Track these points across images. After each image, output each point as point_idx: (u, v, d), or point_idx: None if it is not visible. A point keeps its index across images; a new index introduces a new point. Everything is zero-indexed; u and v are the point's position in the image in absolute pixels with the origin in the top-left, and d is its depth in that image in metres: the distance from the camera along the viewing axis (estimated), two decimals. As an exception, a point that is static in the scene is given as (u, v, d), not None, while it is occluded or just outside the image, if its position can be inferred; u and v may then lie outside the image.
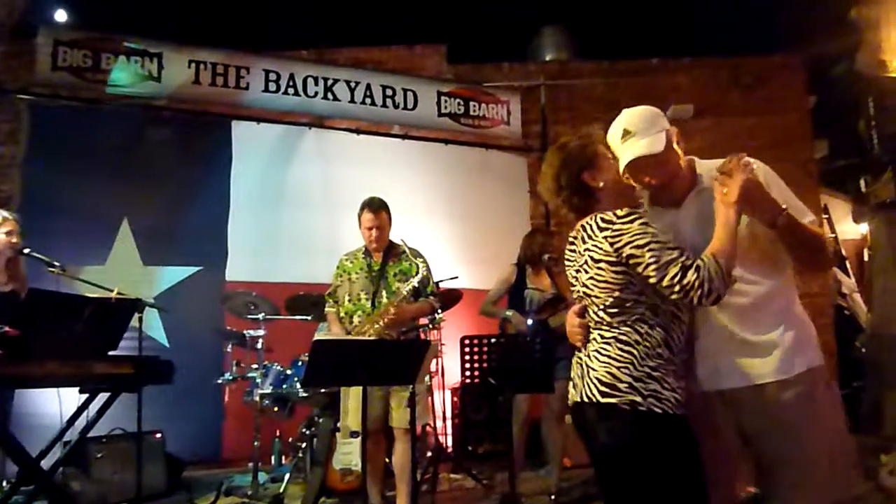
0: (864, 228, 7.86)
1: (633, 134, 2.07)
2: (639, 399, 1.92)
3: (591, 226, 2.04)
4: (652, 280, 1.91)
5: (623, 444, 1.96)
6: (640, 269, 1.92)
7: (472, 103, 7.39)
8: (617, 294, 1.98)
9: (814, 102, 7.91)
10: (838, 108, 7.66)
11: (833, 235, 7.57)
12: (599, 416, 1.99)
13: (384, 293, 3.96)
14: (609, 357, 1.99)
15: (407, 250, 4.01)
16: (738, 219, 1.93)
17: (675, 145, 2.10)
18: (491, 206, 7.18)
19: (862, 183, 6.91)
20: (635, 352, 1.96)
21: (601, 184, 2.09)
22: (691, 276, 1.86)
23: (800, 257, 2.05)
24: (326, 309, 4.14)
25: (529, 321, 4.50)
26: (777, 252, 2.05)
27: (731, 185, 1.91)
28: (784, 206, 1.95)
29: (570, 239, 2.15)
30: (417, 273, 3.94)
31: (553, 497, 4.48)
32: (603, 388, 1.97)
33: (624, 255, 1.94)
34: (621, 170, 2.09)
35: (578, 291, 2.13)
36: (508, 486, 3.47)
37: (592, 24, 8.18)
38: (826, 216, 7.89)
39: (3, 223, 4.15)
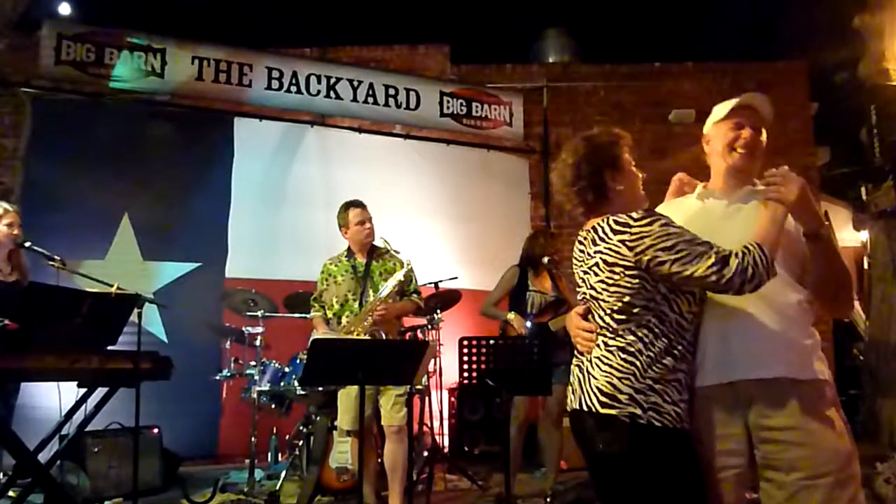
0: (864, 236, 7.86)
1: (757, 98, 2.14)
2: (639, 412, 1.88)
3: (603, 227, 1.98)
4: (684, 273, 1.84)
5: (621, 456, 1.92)
6: (665, 268, 1.86)
7: (474, 104, 7.39)
8: (627, 299, 1.93)
9: (816, 109, 7.91)
10: (840, 116, 7.66)
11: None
12: (598, 427, 1.95)
13: (370, 293, 4.00)
14: (611, 366, 1.94)
15: (391, 250, 4.07)
16: (786, 217, 1.94)
17: (765, 140, 2.14)
18: (492, 207, 7.19)
19: (863, 191, 6.91)
20: (638, 363, 1.91)
21: (619, 187, 2.05)
22: (733, 261, 1.82)
23: (824, 284, 2.02)
24: (312, 313, 4.15)
25: (529, 323, 4.51)
26: (803, 267, 2.06)
27: (791, 185, 1.93)
28: (827, 222, 1.98)
29: (580, 239, 2.10)
30: (404, 274, 4.03)
31: (548, 499, 4.49)
32: (603, 399, 1.93)
33: (645, 258, 1.88)
34: (728, 106, 2.11)
35: (585, 294, 2.08)
36: (504, 487, 3.47)
37: (595, 27, 8.20)
38: (826, 222, 7.89)
39: (4, 215, 4.15)
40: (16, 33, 6.10)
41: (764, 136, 2.15)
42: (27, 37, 6.14)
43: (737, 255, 1.82)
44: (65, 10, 6.87)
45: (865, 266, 7.40)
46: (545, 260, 4.54)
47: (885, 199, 6.57)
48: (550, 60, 8.12)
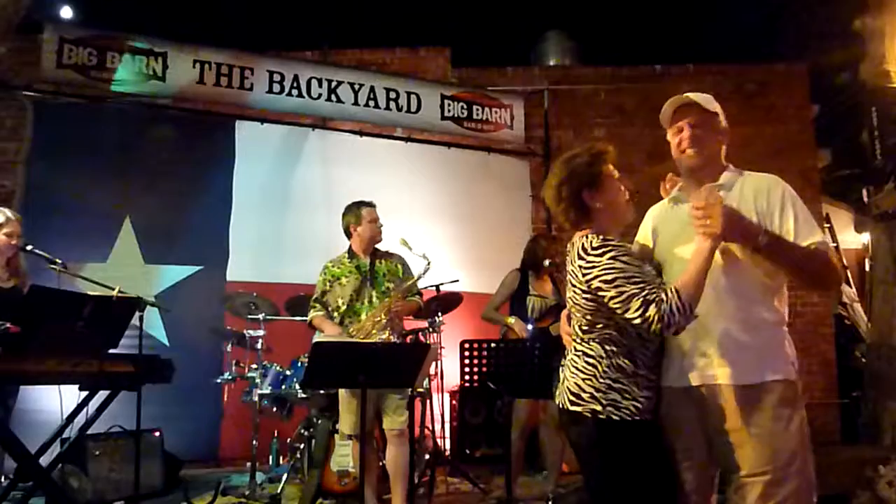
0: (865, 238, 7.86)
1: (689, 96, 2.22)
2: (598, 408, 2.10)
3: (576, 248, 2.16)
4: (618, 311, 2.04)
5: (587, 448, 2.17)
6: (606, 300, 2.06)
7: (475, 107, 7.39)
8: (589, 317, 2.15)
9: (817, 112, 7.91)
10: (841, 118, 7.66)
11: (834, 245, 7.56)
12: (570, 422, 2.19)
13: (375, 293, 4.00)
14: (577, 368, 2.17)
15: (390, 252, 4.16)
16: (714, 250, 1.99)
17: (721, 136, 2.23)
18: (493, 210, 7.18)
19: (864, 193, 6.91)
20: (598, 366, 2.12)
21: (598, 205, 2.18)
22: (652, 310, 1.96)
23: (796, 276, 2.12)
24: (312, 314, 4.11)
25: (530, 327, 4.51)
26: (764, 262, 2.09)
27: (714, 215, 1.97)
28: (763, 229, 2.02)
29: (567, 250, 2.26)
30: (405, 273, 4.10)
31: (550, 502, 4.48)
32: (571, 397, 2.16)
33: (592, 286, 2.08)
34: (665, 111, 2.23)
35: (568, 301, 2.26)
36: (505, 490, 3.47)
37: (596, 29, 8.19)
38: (828, 225, 7.89)
39: (6, 223, 4.14)
40: (18, 37, 6.12)
41: (716, 124, 2.21)
42: (29, 40, 6.15)
43: (657, 302, 1.96)
44: (66, 13, 6.88)
45: (867, 268, 7.39)
46: (547, 263, 4.54)
47: (886, 201, 6.56)
48: (551, 63, 8.12)
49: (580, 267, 2.11)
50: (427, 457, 5.03)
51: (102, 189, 5.89)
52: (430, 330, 5.02)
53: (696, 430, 2.12)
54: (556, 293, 4.66)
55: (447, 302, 5.16)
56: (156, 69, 6.24)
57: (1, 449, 3.98)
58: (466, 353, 3.19)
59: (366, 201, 4.18)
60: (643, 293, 1.99)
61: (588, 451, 2.17)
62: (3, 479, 4.42)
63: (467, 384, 3.22)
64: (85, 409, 3.58)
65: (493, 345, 3.26)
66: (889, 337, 6.48)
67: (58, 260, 4.01)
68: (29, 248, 4.08)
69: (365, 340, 3.82)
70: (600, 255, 2.07)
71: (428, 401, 5.17)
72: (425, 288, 4.63)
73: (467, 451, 5.87)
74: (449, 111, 7.25)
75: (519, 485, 4.55)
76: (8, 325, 3.00)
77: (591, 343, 2.15)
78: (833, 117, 7.88)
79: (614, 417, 2.08)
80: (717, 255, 2.05)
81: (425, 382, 4.88)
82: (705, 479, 2.16)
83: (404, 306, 4.05)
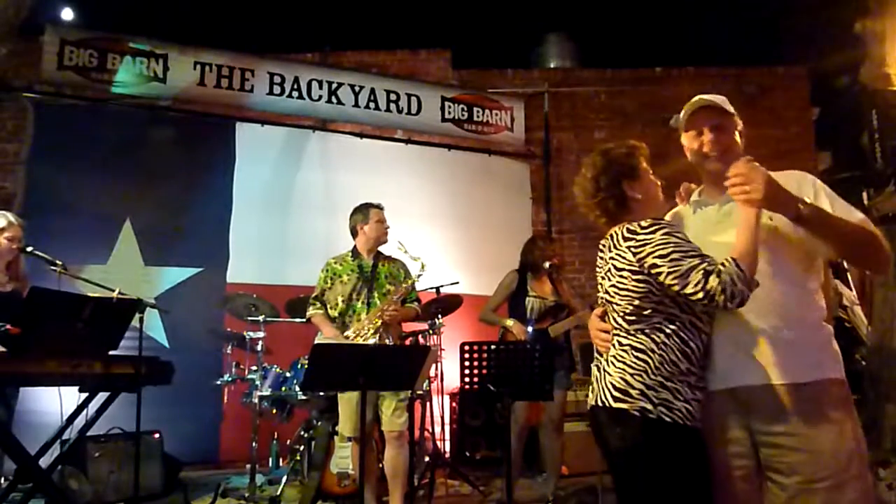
0: (865, 241, 7.85)
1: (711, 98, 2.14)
2: (649, 406, 1.96)
3: (617, 235, 2.09)
4: (675, 288, 1.94)
5: (632, 449, 2.00)
6: (662, 278, 1.96)
7: (475, 109, 7.40)
8: (637, 302, 2.02)
9: (817, 114, 7.91)
10: (841, 121, 7.66)
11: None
12: (611, 421, 2.04)
13: (375, 294, 4.01)
14: (624, 364, 2.03)
15: (393, 257, 4.19)
16: (759, 218, 1.92)
17: (739, 136, 2.15)
18: (493, 212, 7.19)
19: (864, 196, 6.90)
20: (650, 360, 1.99)
21: (638, 196, 2.14)
22: (713, 281, 1.87)
23: (842, 251, 2.02)
24: (311, 311, 4.12)
25: (529, 328, 4.50)
26: (809, 255, 2.05)
27: (754, 183, 1.89)
28: (806, 199, 1.93)
29: (600, 246, 2.19)
30: (406, 277, 4.12)
31: (550, 504, 4.48)
32: (616, 394, 2.02)
33: (646, 264, 1.98)
34: (683, 116, 2.14)
35: (602, 297, 2.18)
36: (505, 492, 3.47)
37: (597, 32, 8.20)
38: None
39: (7, 227, 4.14)
40: (19, 39, 6.11)
41: (733, 127, 2.15)
42: (30, 42, 6.15)
43: (718, 273, 1.88)
44: (67, 15, 6.88)
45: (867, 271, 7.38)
46: (546, 265, 4.53)
47: (886, 204, 6.55)
48: (551, 65, 8.13)
49: (629, 248, 2.02)
50: (427, 459, 5.03)
51: (103, 191, 5.89)
52: (430, 332, 5.02)
53: (744, 437, 1.99)
54: (555, 294, 4.65)
55: (447, 304, 5.16)
56: (156, 71, 6.25)
57: (1, 450, 3.97)
58: (466, 356, 3.19)
59: (374, 203, 4.21)
60: (702, 265, 1.91)
61: (630, 454, 2.02)
62: (2, 481, 4.41)
63: (467, 386, 3.21)
64: (85, 411, 3.58)
65: (492, 347, 3.25)
66: (889, 340, 6.47)
67: (58, 261, 4.00)
68: (29, 249, 4.08)
69: (360, 342, 3.83)
70: (652, 233, 2.00)
71: (428, 403, 5.17)
72: (425, 290, 4.63)
73: (467, 454, 5.86)
74: (449, 113, 7.26)
75: (518, 487, 4.54)
76: (8, 326, 3.00)
77: (639, 335, 2.02)
78: (833, 120, 7.88)
79: (666, 419, 1.94)
80: (764, 248, 1.96)
81: (425, 385, 4.88)
82: (754, 489, 2.01)
83: (401, 311, 4.05)
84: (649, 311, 2.01)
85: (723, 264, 1.89)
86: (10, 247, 4.11)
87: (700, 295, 1.89)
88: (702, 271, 1.90)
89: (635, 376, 1.99)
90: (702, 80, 7.72)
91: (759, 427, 1.96)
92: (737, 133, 2.16)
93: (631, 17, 8.20)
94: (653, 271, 1.97)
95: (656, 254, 1.96)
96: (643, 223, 2.03)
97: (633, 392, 1.99)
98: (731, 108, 2.16)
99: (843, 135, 7.61)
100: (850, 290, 7.76)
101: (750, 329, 1.99)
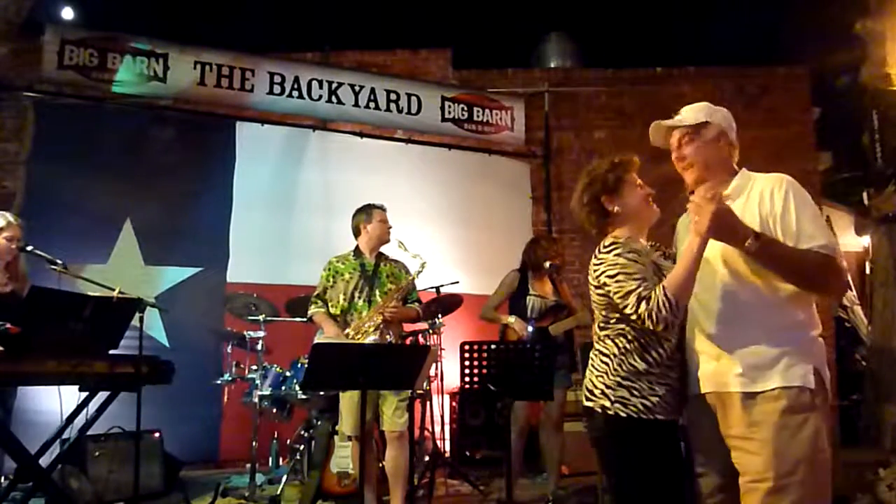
0: (866, 241, 7.85)
1: (679, 114, 2.31)
2: (607, 404, 2.20)
3: (596, 251, 2.30)
4: (619, 306, 2.16)
5: (598, 442, 2.31)
6: (612, 296, 2.18)
7: (475, 109, 7.39)
8: (604, 312, 2.27)
9: (818, 114, 7.91)
10: (842, 121, 7.66)
11: (835, 248, 7.56)
12: (585, 416, 2.33)
13: (377, 292, 4.02)
14: (593, 366, 2.29)
15: (395, 258, 4.21)
16: (704, 248, 2.04)
17: (719, 141, 2.25)
18: (493, 212, 7.19)
19: (864, 196, 6.91)
20: (611, 363, 2.22)
21: (616, 209, 2.31)
22: (643, 306, 2.07)
23: (792, 281, 2.06)
24: (313, 310, 4.12)
25: (530, 328, 4.51)
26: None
27: (703, 214, 2.00)
28: (755, 232, 2.01)
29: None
30: (408, 276, 4.14)
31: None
32: (586, 393, 2.30)
33: (600, 281, 2.23)
34: (654, 139, 2.33)
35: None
36: (505, 492, 3.46)
37: (597, 31, 8.20)
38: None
39: (6, 227, 4.13)
40: (19, 38, 6.12)
41: (705, 134, 2.24)
42: (30, 41, 6.14)
43: (647, 300, 2.07)
44: (68, 14, 6.89)
45: (867, 271, 7.39)
46: (547, 265, 4.54)
47: (887, 204, 6.56)
48: (552, 65, 8.12)
49: (593, 265, 2.26)
50: (427, 458, 5.03)
51: (103, 190, 5.89)
52: (430, 331, 5.02)
53: (716, 437, 2.12)
54: (556, 294, 4.66)
55: (447, 304, 5.16)
56: (157, 70, 6.24)
57: (1, 449, 3.98)
58: (466, 355, 3.19)
59: (377, 204, 4.23)
60: (638, 289, 2.10)
61: (598, 445, 2.30)
62: (2, 480, 4.42)
63: (467, 386, 3.21)
64: (85, 410, 3.58)
65: (492, 347, 3.25)
66: (889, 340, 6.48)
67: (58, 261, 4.00)
68: (29, 248, 4.08)
69: (359, 341, 3.84)
70: (608, 252, 2.21)
71: (428, 402, 5.17)
72: (425, 290, 4.63)
73: (467, 453, 5.87)
74: (449, 113, 7.26)
75: (519, 487, 4.54)
76: (8, 325, 3.00)
77: (607, 341, 2.25)
78: (834, 120, 7.89)
79: (622, 414, 2.15)
80: (734, 259, 2.08)
81: (425, 384, 4.88)
82: (728, 486, 2.11)
83: (401, 311, 4.05)
84: (614, 319, 2.24)
85: (655, 291, 2.07)
86: (9, 246, 4.11)
87: (634, 317, 2.11)
88: (636, 295, 2.10)
89: (599, 377, 2.24)
90: (702, 80, 7.72)
91: (723, 429, 2.10)
92: (711, 140, 2.24)
93: (632, 16, 8.21)
94: (605, 288, 2.20)
95: (607, 273, 2.20)
96: (605, 242, 2.26)
97: (596, 391, 2.24)
98: (694, 120, 2.26)
99: (844, 135, 7.62)
100: (851, 290, 7.77)
101: (721, 339, 2.10)
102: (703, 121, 2.25)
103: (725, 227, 2.01)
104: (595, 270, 2.24)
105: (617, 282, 2.15)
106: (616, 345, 2.22)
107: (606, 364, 2.22)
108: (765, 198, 2.11)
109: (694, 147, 2.24)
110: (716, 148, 2.24)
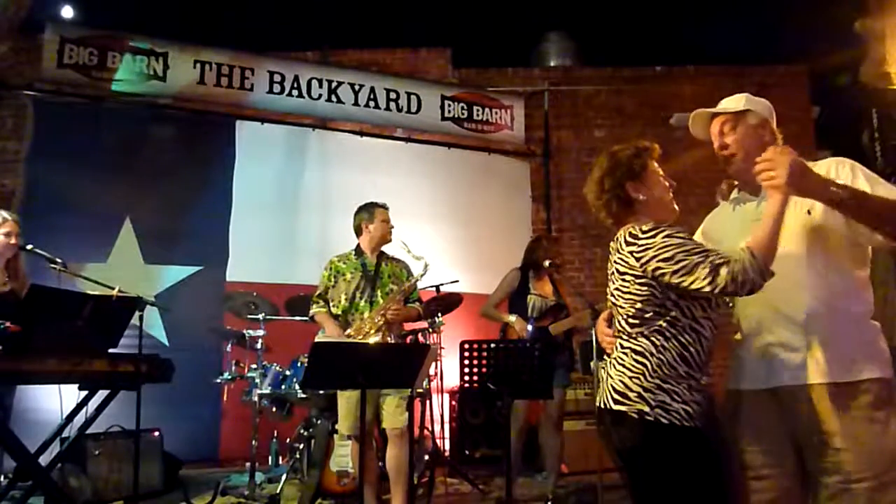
0: (865, 240, 7.85)
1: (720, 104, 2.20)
2: (646, 409, 1.98)
3: (620, 239, 2.09)
4: (683, 284, 1.93)
5: (632, 451, 2.04)
6: (667, 279, 1.95)
7: (475, 107, 7.40)
8: (639, 305, 2.03)
9: (817, 113, 7.91)
10: (842, 120, 7.66)
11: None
12: (613, 422, 2.06)
13: (378, 293, 4.01)
14: (623, 366, 2.05)
15: (397, 257, 4.19)
16: (785, 204, 1.88)
17: (762, 129, 2.15)
18: (493, 211, 7.19)
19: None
20: (648, 363, 2.01)
21: (641, 196, 2.13)
22: (723, 271, 1.86)
23: (888, 230, 1.95)
24: (315, 310, 4.11)
25: (530, 327, 4.51)
26: (853, 245, 2.02)
27: (778, 167, 1.87)
28: (841, 182, 1.88)
29: (610, 248, 2.17)
30: (408, 277, 4.12)
31: (549, 503, 4.48)
32: (616, 396, 2.04)
33: (649, 269, 1.98)
34: (694, 129, 2.21)
35: (608, 299, 2.19)
36: (505, 490, 3.47)
37: (597, 30, 8.19)
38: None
39: (3, 224, 4.13)
40: (19, 36, 6.12)
41: (747, 121, 2.15)
42: (30, 40, 6.16)
43: (727, 263, 1.86)
44: (67, 13, 6.87)
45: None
46: (547, 264, 4.54)
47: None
48: (552, 64, 8.13)
49: (631, 253, 2.02)
50: (426, 457, 5.02)
51: (103, 189, 5.89)
52: (430, 330, 5.02)
53: (782, 436, 1.99)
54: (556, 293, 4.66)
55: (447, 302, 5.16)
56: (156, 69, 6.25)
57: (1, 448, 3.98)
58: (466, 354, 3.19)
59: (380, 202, 4.20)
60: (709, 259, 1.90)
61: (632, 455, 2.05)
62: (2, 479, 4.41)
63: (467, 385, 3.21)
64: (84, 409, 3.58)
65: (492, 345, 3.25)
66: (890, 339, 6.47)
67: (58, 259, 4.01)
68: (29, 247, 4.08)
69: (362, 341, 3.83)
70: (654, 237, 1.99)
71: (428, 401, 5.17)
72: (425, 288, 4.63)
73: (467, 452, 5.87)
74: (449, 112, 7.26)
75: (518, 485, 4.55)
76: (8, 324, 3.00)
77: (640, 338, 2.03)
78: (833, 119, 7.88)
79: (663, 421, 1.96)
80: (802, 241, 1.97)
81: (425, 383, 4.88)
82: (795, 489, 2.00)
83: (402, 311, 4.05)
84: (650, 314, 2.02)
85: (739, 252, 1.87)
86: (7, 242, 4.10)
87: (708, 288, 1.88)
88: (709, 265, 1.89)
89: (633, 379, 2.01)
90: (702, 79, 7.72)
91: (802, 426, 1.95)
92: (754, 128, 2.15)
93: (631, 15, 8.19)
94: (656, 274, 1.97)
95: (659, 257, 1.96)
96: (644, 227, 2.03)
97: (631, 395, 2.00)
98: (735, 107, 2.17)
99: (844, 134, 7.61)
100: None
101: (790, 326, 1.98)
102: (746, 108, 2.16)
103: (805, 177, 1.87)
104: (639, 258, 1.99)
105: (677, 262, 1.92)
106: (652, 342, 2.01)
107: (643, 364, 2.00)
108: (829, 173, 1.98)
109: (736, 135, 2.14)
110: (757, 136, 2.14)
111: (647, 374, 2.00)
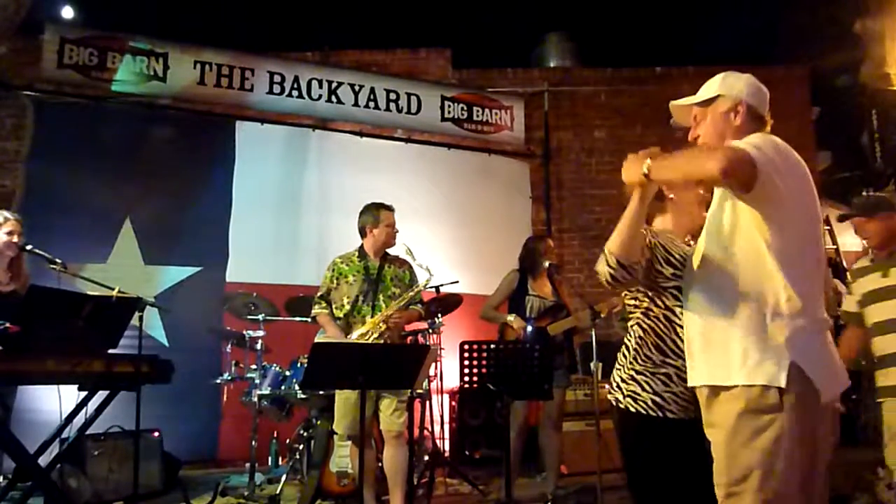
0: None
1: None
2: (620, 396, 2.18)
3: None
4: None
5: (617, 434, 2.27)
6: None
7: (475, 108, 7.40)
8: (626, 301, 2.27)
9: (817, 114, 7.91)
10: (841, 120, 7.67)
11: (834, 247, 7.55)
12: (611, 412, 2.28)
13: (381, 297, 4.00)
14: (617, 359, 2.27)
15: (400, 258, 4.17)
16: (631, 197, 1.98)
17: (732, 113, 2.03)
18: (492, 212, 7.19)
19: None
20: (627, 355, 2.21)
21: (672, 196, 2.30)
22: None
23: (684, 176, 1.96)
24: (317, 310, 4.10)
25: (529, 327, 4.51)
26: (753, 249, 1.86)
27: (630, 169, 1.99)
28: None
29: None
30: (412, 280, 4.11)
31: (549, 503, 4.48)
32: (608, 386, 2.28)
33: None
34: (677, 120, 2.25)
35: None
36: (504, 491, 3.47)
37: (597, 31, 8.19)
38: (827, 228, 7.89)
39: (4, 223, 4.13)
40: (19, 37, 6.12)
41: (714, 108, 2.09)
42: (30, 40, 6.15)
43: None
44: (68, 13, 6.88)
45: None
46: (546, 264, 4.54)
47: (886, 203, 6.56)
48: (551, 65, 8.13)
49: None
50: (426, 458, 5.03)
51: (103, 189, 5.89)
52: (430, 331, 5.02)
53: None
54: (555, 294, 4.66)
55: (447, 303, 5.16)
56: (156, 70, 6.25)
57: (0, 448, 3.98)
58: (466, 355, 3.19)
59: (386, 204, 4.16)
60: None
61: (618, 439, 2.25)
62: (1, 479, 4.41)
63: (467, 385, 3.22)
64: (84, 410, 3.57)
65: (492, 346, 3.26)
66: (888, 339, 6.47)
67: (58, 260, 4.01)
68: (29, 247, 4.08)
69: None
70: None
71: (427, 402, 5.17)
72: (425, 289, 4.63)
73: (466, 453, 5.87)
74: (449, 112, 7.26)
75: (518, 486, 4.54)
76: (7, 324, 3.00)
77: (628, 332, 2.24)
78: (833, 119, 7.89)
79: (631, 409, 2.13)
80: (704, 251, 1.94)
81: (424, 384, 4.88)
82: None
83: (404, 315, 4.04)
84: (630, 307, 2.23)
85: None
86: (9, 241, 4.11)
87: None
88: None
89: (617, 370, 2.23)
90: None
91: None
92: (724, 113, 2.06)
93: (631, 16, 8.19)
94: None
95: None
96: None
97: (613, 384, 2.23)
98: (707, 94, 2.12)
99: (843, 134, 7.63)
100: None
101: (697, 334, 1.95)
102: (714, 95, 2.08)
103: (628, 166, 1.97)
104: None
105: None
106: (633, 334, 2.19)
107: (625, 356, 2.21)
108: None
109: (704, 125, 2.08)
110: (727, 121, 2.02)
111: (626, 364, 2.19)
